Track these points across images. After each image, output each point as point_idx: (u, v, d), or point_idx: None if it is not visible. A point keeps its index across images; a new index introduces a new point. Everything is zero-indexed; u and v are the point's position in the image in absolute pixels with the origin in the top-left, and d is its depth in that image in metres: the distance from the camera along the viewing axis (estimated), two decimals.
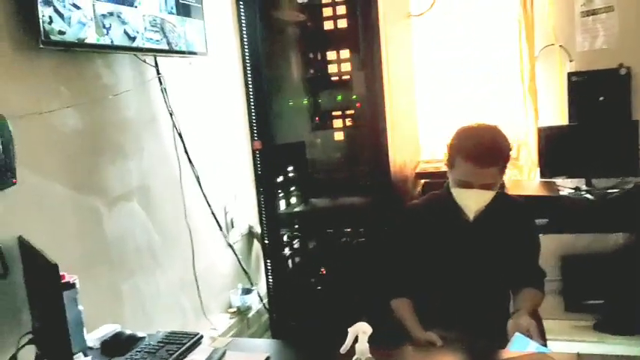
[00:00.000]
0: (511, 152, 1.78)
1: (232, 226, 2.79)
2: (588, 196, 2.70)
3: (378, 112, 2.29)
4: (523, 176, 3.16)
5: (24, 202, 1.61)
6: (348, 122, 2.56)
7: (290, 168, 2.67)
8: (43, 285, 1.30)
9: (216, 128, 2.65)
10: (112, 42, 1.82)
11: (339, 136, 2.62)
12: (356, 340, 1.13)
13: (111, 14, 1.82)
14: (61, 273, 1.58)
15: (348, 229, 2.53)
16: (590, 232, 2.82)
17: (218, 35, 2.57)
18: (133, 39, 1.93)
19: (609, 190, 2.73)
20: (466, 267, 1.81)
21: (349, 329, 1.13)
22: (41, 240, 1.66)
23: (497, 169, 1.72)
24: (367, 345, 1.12)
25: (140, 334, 1.71)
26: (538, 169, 3.02)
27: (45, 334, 1.32)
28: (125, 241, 2.04)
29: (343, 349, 1.15)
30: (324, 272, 2.61)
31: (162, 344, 1.63)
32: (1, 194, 1.52)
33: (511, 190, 2.88)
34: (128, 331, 1.73)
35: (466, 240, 1.82)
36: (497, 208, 1.83)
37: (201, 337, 1.67)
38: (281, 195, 2.59)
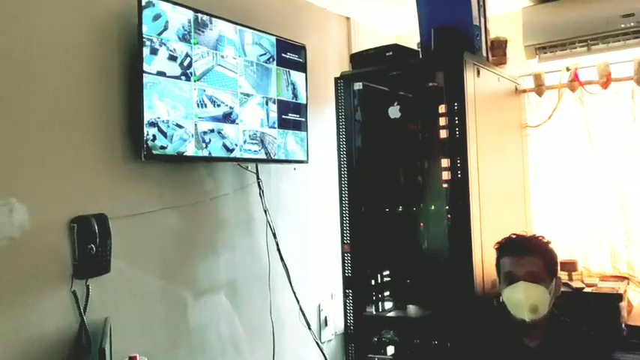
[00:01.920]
0: (553, 253, 1.88)
1: (326, 325, 2.88)
2: None
3: (463, 226, 2.28)
4: None
5: (117, 288, 1.89)
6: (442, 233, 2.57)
7: (384, 272, 2.71)
8: None
9: (314, 229, 2.81)
10: (209, 154, 2.11)
11: (432, 246, 2.64)
12: None
13: (212, 131, 2.12)
14: (133, 354, 1.83)
15: (435, 342, 2.48)
16: None
17: (321, 144, 2.79)
18: (231, 150, 2.21)
19: None
20: None
21: None
22: (130, 323, 1.94)
23: (538, 259, 1.78)
24: None
25: None
26: None
27: None
28: (209, 330, 2.24)
29: None
30: None
31: None
32: (96, 280, 1.81)
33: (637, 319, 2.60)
34: None
35: None
36: (562, 338, 1.74)
37: None
38: (371, 298, 2.63)
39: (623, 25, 2.73)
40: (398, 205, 2.69)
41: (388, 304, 2.69)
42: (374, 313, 2.63)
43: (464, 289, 2.27)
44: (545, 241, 1.89)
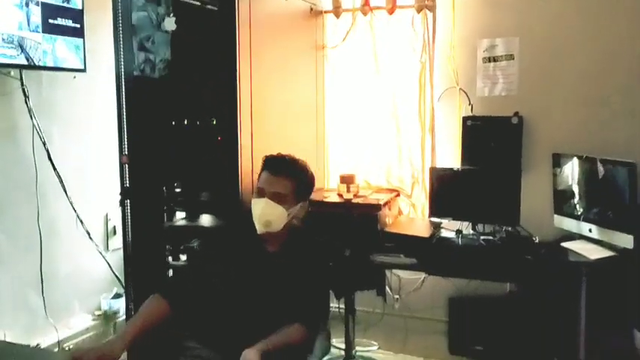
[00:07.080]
0: (309, 180, 1.97)
1: (114, 234, 2.93)
2: (458, 240, 2.73)
3: (234, 135, 2.37)
4: (417, 213, 3.18)
5: None
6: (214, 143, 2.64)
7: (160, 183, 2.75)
8: None
9: (96, 140, 2.78)
10: None
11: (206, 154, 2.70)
12: None
13: None
14: None
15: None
16: (460, 277, 2.83)
17: (104, 52, 2.70)
18: None
19: (482, 237, 2.74)
20: (245, 292, 1.88)
21: None
22: None
23: (289, 182, 1.90)
24: None
25: None
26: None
27: None
28: None
29: None
30: None
31: None
32: None
33: (395, 226, 2.91)
34: None
35: (257, 268, 1.91)
36: (297, 244, 1.94)
37: None
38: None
39: None
40: (183, 118, 2.72)
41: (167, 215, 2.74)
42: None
43: (231, 194, 2.41)
44: (303, 166, 1.98)
